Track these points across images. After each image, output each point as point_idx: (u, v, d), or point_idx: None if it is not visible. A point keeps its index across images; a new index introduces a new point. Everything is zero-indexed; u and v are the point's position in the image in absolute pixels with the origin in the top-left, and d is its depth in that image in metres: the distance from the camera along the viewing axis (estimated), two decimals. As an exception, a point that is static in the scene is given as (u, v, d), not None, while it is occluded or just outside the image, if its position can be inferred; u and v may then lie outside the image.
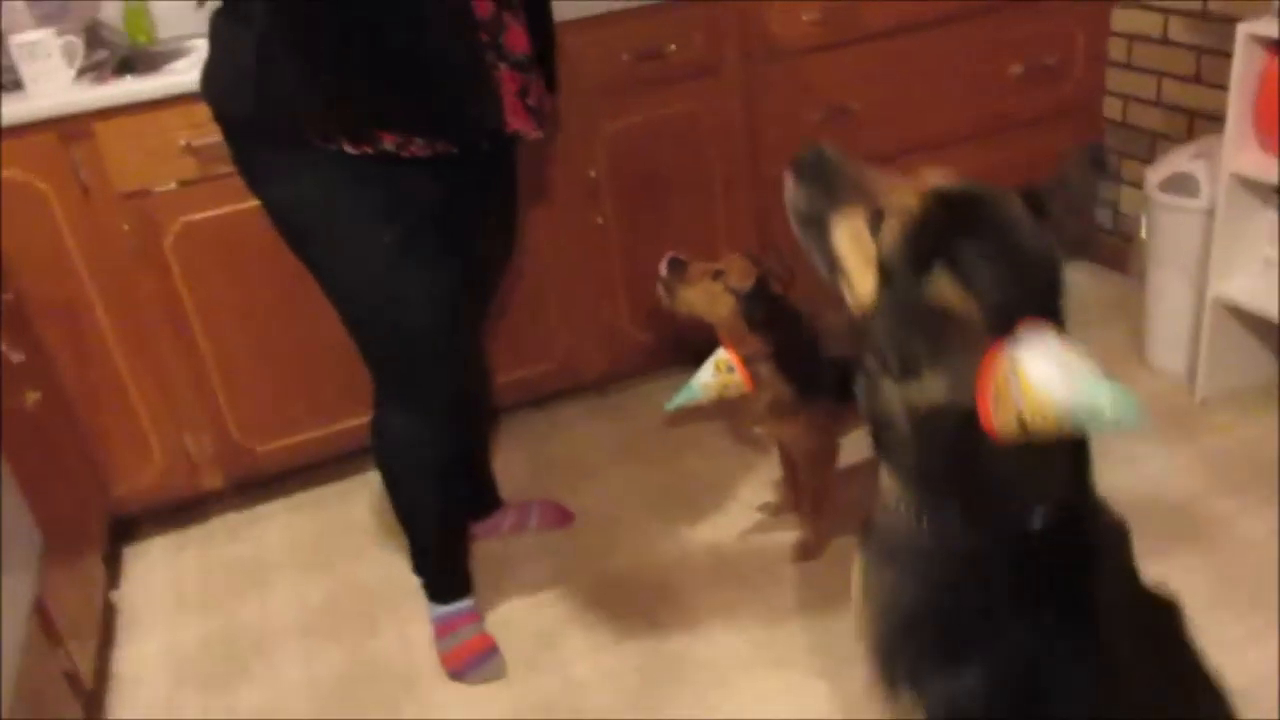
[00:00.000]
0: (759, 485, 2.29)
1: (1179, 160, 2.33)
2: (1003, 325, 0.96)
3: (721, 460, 2.40)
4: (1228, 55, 2.41)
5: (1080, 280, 2.91)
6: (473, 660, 1.91)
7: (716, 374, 1.85)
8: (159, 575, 2.30)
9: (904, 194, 1.07)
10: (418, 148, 1.51)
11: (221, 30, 1.52)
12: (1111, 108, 2.81)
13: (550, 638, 1.98)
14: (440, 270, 1.63)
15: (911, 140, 2.54)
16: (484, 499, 2.23)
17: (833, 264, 1.13)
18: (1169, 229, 2.34)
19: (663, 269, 1.87)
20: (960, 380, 0.99)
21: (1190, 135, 2.60)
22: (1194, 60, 2.55)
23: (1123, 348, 2.58)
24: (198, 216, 2.14)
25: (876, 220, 1.07)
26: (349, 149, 1.49)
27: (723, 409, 2.44)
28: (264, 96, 1.45)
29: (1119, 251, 2.87)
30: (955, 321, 0.99)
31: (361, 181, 1.52)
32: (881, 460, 1.17)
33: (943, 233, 1.02)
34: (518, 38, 1.55)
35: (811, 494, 2.07)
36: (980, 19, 2.59)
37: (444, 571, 1.99)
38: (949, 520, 1.09)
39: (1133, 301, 2.70)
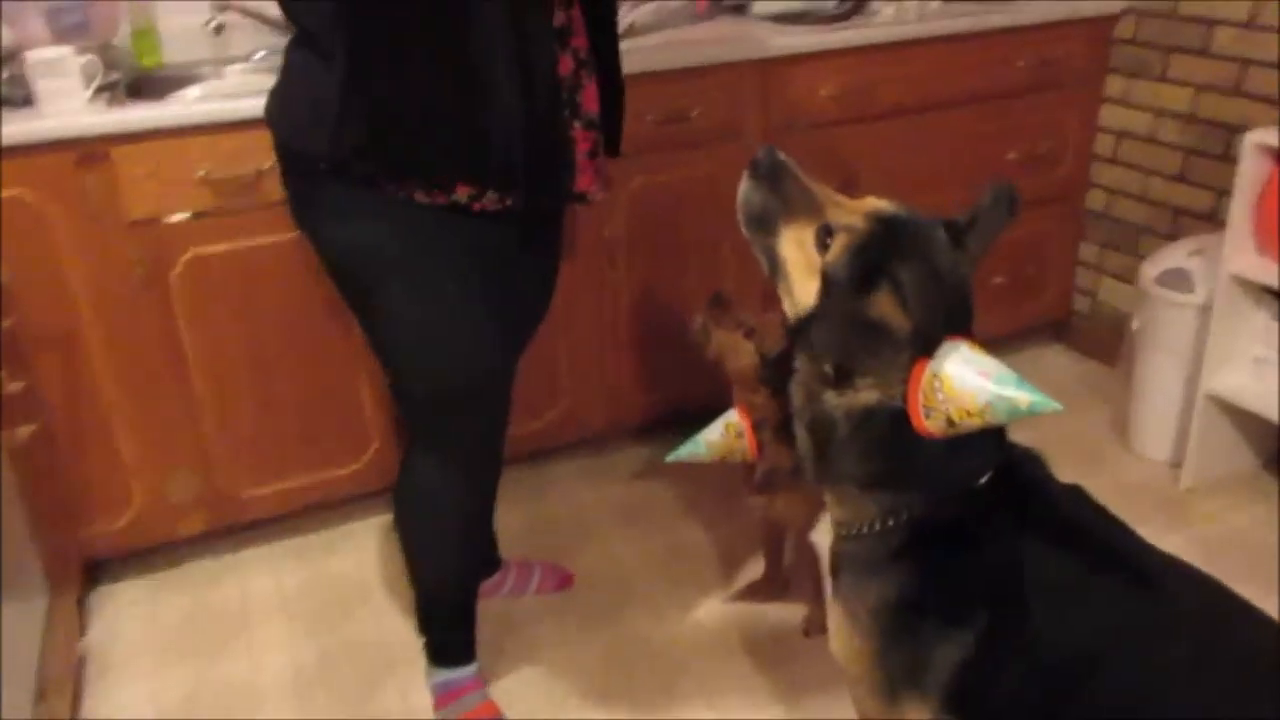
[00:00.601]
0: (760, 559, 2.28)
1: (1174, 256, 2.42)
2: (929, 341, 1.10)
3: (723, 529, 2.38)
4: (1214, 156, 2.56)
5: (1060, 364, 2.99)
6: None
7: (724, 435, 1.82)
8: (131, 622, 2.17)
9: (850, 213, 1.18)
10: (489, 201, 1.48)
11: (299, 62, 1.47)
12: (1096, 200, 2.92)
13: (558, 707, 1.92)
14: (497, 322, 1.60)
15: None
16: (485, 557, 2.17)
17: (776, 266, 1.22)
18: (1163, 322, 2.43)
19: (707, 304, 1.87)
20: (891, 386, 1.13)
21: (1174, 231, 2.71)
22: (1180, 159, 2.67)
23: (1106, 433, 2.66)
24: (208, 250, 2.06)
25: (823, 234, 1.17)
26: (421, 197, 1.45)
27: (724, 478, 2.44)
28: (342, 139, 1.40)
29: (1098, 338, 2.97)
30: (889, 334, 1.11)
31: (428, 229, 1.48)
32: (828, 489, 1.27)
33: (886, 254, 1.13)
34: (592, 96, 1.55)
35: (807, 569, 2.06)
36: (984, 105, 2.68)
37: (453, 633, 1.91)
38: (911, 507, 1.19)
39: (1113, 388, 2.79)
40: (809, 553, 2.05)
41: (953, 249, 1.16)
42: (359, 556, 2.34)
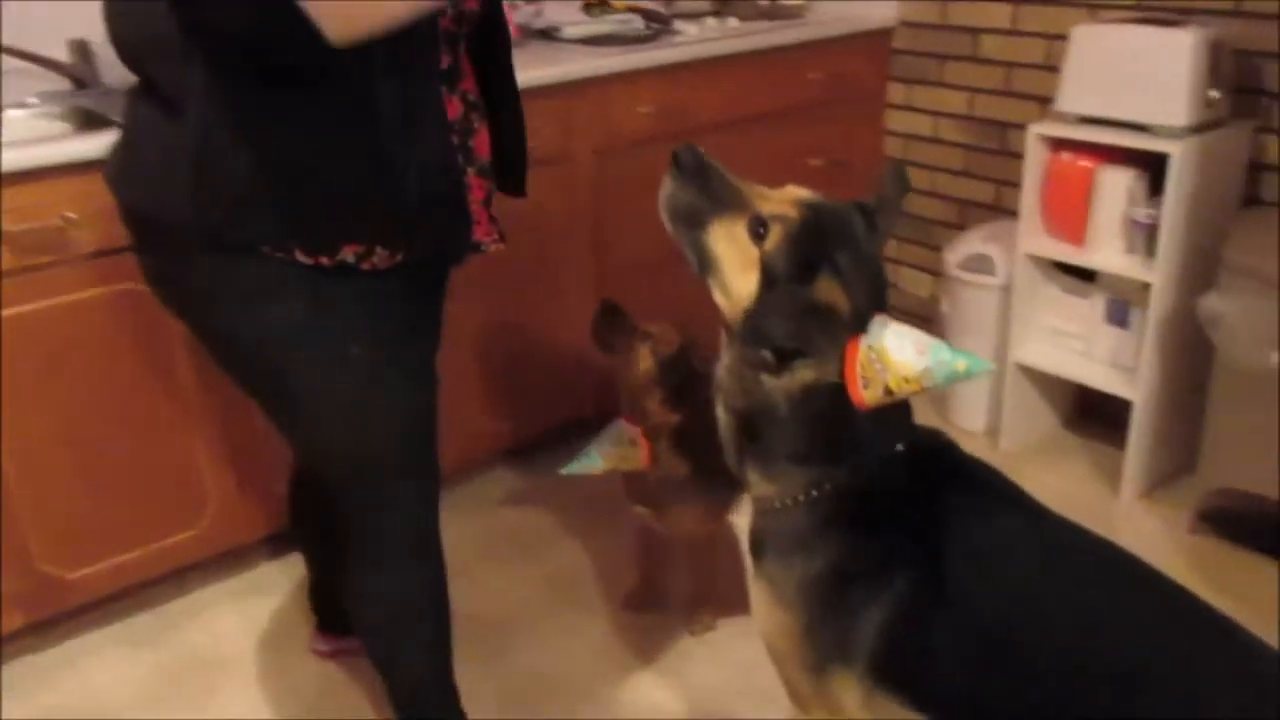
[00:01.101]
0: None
1: (973, 243, 2.64)
2: (862, 319, 1.17)
3: (595, 548, 2.37)
4: (992, 152, 2.81)
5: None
6: None
7: (618, 445, 1.84)
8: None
9: (776, 204, 1.22)
10: (379, 259, 1.34)
11: (145, 118, 1.29)
12: (890, 198, 3.14)
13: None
14: (411, 383, 1.46)
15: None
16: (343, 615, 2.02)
17: (708, 262, 1.23)
18: (969, 303, 2.64)
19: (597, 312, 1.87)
20: (829, 364, 1.18)
21: (962, 222, 2.96)
22: (963, 156, 2.92)
23: (926, 411, 2.85)
24: (11, 312, 1.86)
25: (757, 225, 1.19)
26: (302, 258, 1.29)
27: (588, 496, 2.44)
28: (205, 202, 1.23)
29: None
30: (832, 316, 1.17)
31: (316, 293, 1.32)
32: (753, 470, 1.30)
33: (823, 240, 1.19)
34: (484, 142, 1.45)
35: (697, 571, 2.09)
36: (786, 117, 2.83)
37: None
38: (836, 477, 1.24)
39: (926, 370, 3.00)
40: (698, 556, 2.07)
41: (868, 230, 1.23)
42: (211, 628, 2.17)
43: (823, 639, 1.26)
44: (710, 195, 1.22)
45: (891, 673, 1.23)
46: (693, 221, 1.23)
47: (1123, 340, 2.43)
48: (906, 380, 1.14)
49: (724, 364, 1.27)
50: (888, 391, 1.15)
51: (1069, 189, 2.34)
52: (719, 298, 1.24)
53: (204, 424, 2.12)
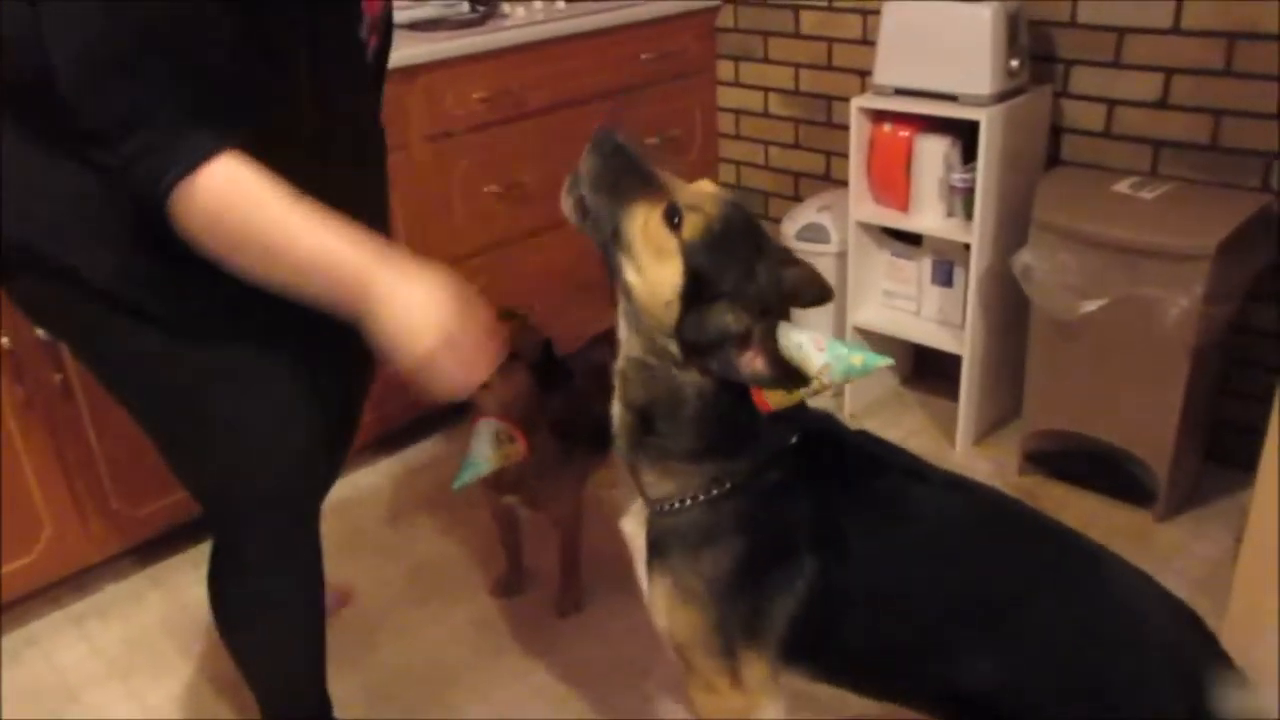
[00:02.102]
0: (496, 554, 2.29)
1: (807, 213, 2.74)
2: (770, 318, 1.17)
3: (453, 539, 2.36)
4: (820, 124, 2.91)
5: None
6: None
7: (498, 445, 1.82)
8: None
9: (691, 195, 1.20)
10: None
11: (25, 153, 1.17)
12: (728, 173, 3.22)
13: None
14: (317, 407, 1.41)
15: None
16: None
17: (622, 244, 1.19)
18: (807, 271, 2.74)
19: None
20: (733, 361, 1.16)
21: (796, 193, 3.06)
22: (793, 129, 3.02)
23: (774, 378, 2.95)
24: None
25: (672, 213, 1.15)
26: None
27: (428, 489, 2.42)
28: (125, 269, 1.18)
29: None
30: (750, 313, 1.15)
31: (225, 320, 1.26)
32: (649, 468, 1.29)
33: (744, 239, 1.18)
34: None
35: (565, 551, 2.11)
36: (620, 97, 2.86)
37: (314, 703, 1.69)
38: (736, 472, 1.25)
39: (771, 338, 3.11)
40: (569, 536, 2.08)
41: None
42: (48, 660, 2.06)
43: (733, 628, 1.27)
44: (628, 178, 1.19)
45: (800, 650, 1.27)
46: (611, 203, 1.19)
47: (948, 299, 2.57)
48: (811, 380, 1.17)
49: (627, 355, 1.25)
50: (788, 393, 1.17)
51: (891, 158, 2.46)
52: (634, 283, 1.19)
53: (34, 449, 2.00)
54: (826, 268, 2.66)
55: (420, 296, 1.10)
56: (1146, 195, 2.18)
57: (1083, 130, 2.42)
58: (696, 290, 1.16)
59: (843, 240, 2.64)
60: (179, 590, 2.22)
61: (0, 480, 1.97)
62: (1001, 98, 2.28)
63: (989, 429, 2.63)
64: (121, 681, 2.00)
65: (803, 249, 2.71)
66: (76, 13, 1.01)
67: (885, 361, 1.25)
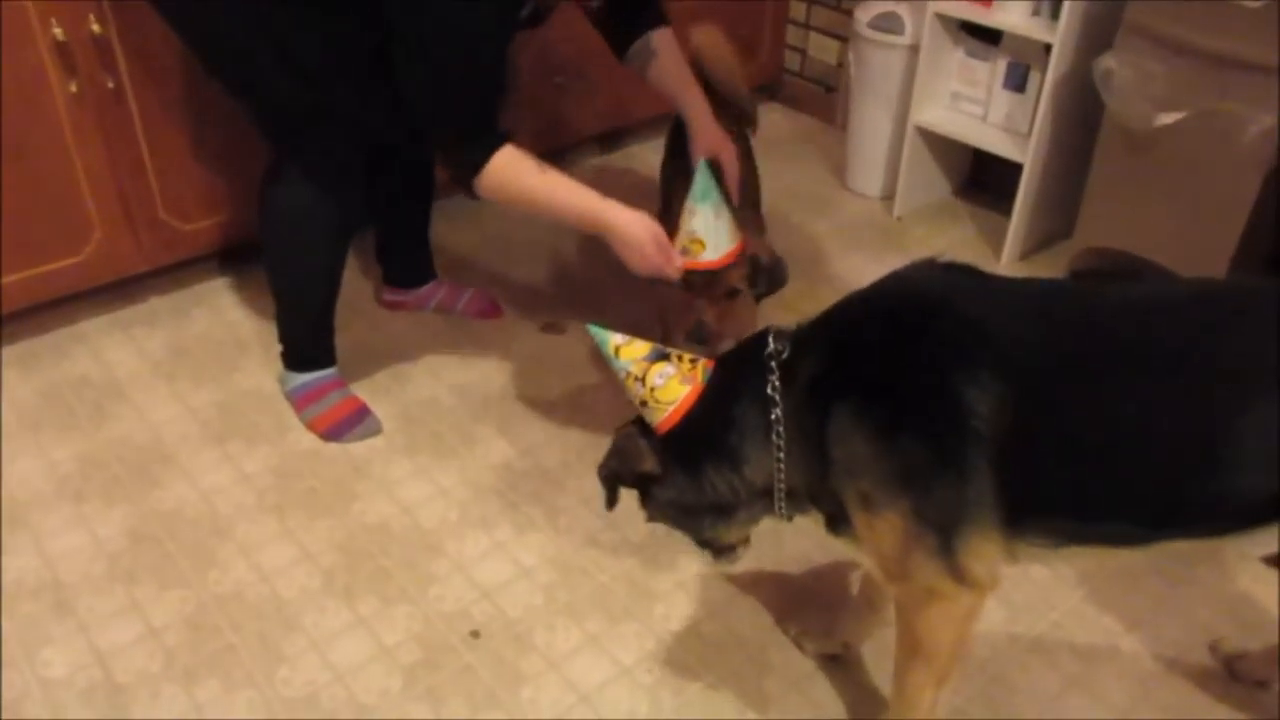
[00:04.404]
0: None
1: (884, 2, 2.62)
2: None
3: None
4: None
5: (776, 120, 3.19)
6: (349, 420, 1.94)
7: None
8: None
9: None
10: None
11: None
12: (803, -44, 3.07)
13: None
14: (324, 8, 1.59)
15: None
16: (419, 270, 2.28)
17: None
18: (875, 63, 2.64)
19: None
20: None
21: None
22: (879, -85, 2.84)
23: (825, 179, 2.90)
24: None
25: None
26: None
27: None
28: None
29: (810, 95, 3.18)
30: None
31: None
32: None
33: None
34: None
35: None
36: None
37: (314, 338, 1.97)
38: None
39: (827, 140, 3.04)
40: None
41: None
42: (97, 358, 2.13)
43: (939, 510, 1.12)
44: None
45: (1027, 501, 1.11)
46: None
47: (1018, 105, 2.48)
48: None
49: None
50: None
51: (983, -57, 2.32)
52: None
53: (86, 148, 2.01)
54: (896, 62, 2.59)
55: (629, 226, 1.59)
56: (1249, 3, 2.06)
57: (1192, -68, 2.27)
58: None
59: (917, 33, 2.53)
60: (223, 310, 2.28)
61: (51, 173, 1.99)
62: (1113, -117, 2.13)
63: (1037, 247, 2.59)
64: (167, 383, 2.07)
65: (873, 38, 2.61)
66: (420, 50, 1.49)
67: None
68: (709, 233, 1.60)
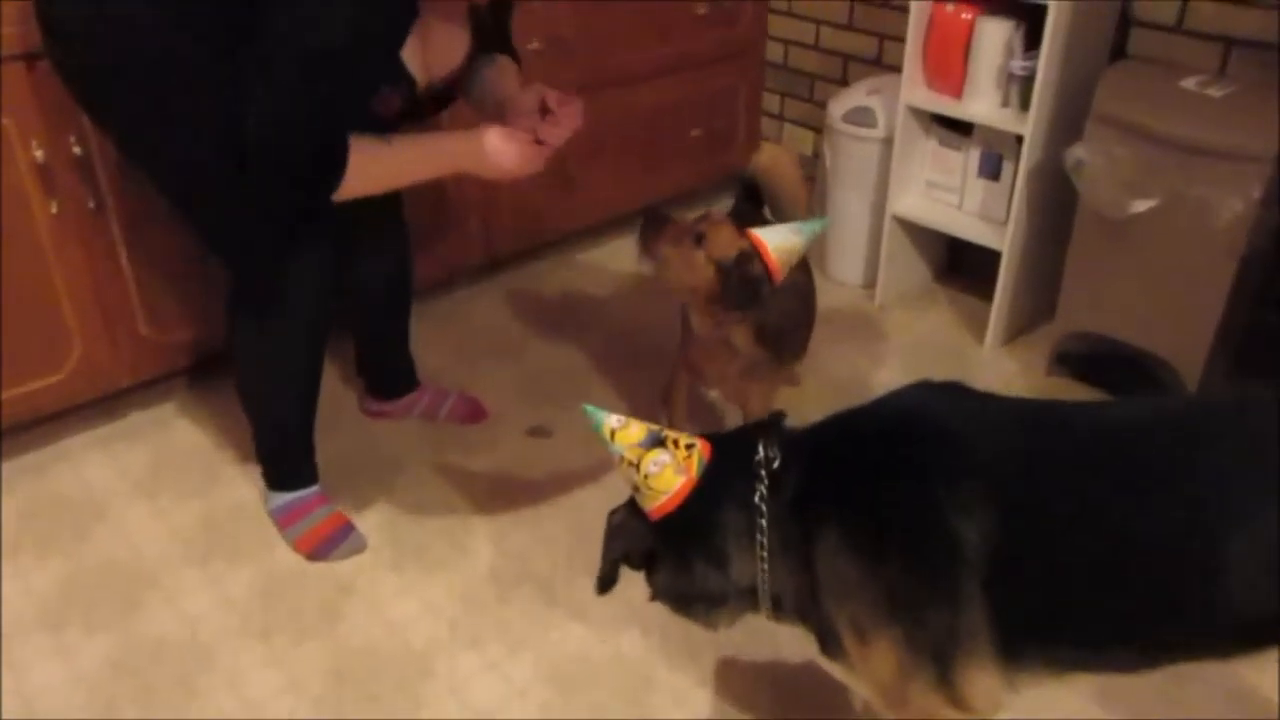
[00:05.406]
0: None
1: (856, 96, 2.67)
2: None
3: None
4: (876, 3, 2.82)
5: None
6: (333, 538, 1.91)
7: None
8: None
9: None
10: None
11: None
12: (774, 52, 3.13)
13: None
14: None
15: (612, 73, 2.71)
16: (401, 380, 2.26)
17: None
18: (851, 155, 2.68)
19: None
20: None
21: (843, 77, 2.98)
22: (847, 9, 2.92)
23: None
24: None
25: None
26: None
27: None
28: None
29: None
30: None
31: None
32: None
33: None
34: None
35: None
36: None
37: (298, 456, 1.95)
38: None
39: (806, 225, 3.06)
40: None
41: None
42: (78, 475, 2.10)
43: (933, 637, 1.10)
44: None
45: (1021, 627, 1.09)
46: None
47: (992, 193, 2.52)
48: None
49: None
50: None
51: (949, 39, 2.38)
52: None
53: (65, 262, 2.00)
54: (870, 154, 2.63)
55: (482, 139, 1.63)
56: (1213, 93, 2.11)
57: (1154, 24, 2.33)
58: None
59: (890, 125, 2.57)
60: (205, 420, 2.26)
61: (32, 292, 1.98)
62: (1073, -18, 2.19)
63: (1019, 330, 2.60)
64: (148, 500, 2.04)
65: (848, 132, 2.65)
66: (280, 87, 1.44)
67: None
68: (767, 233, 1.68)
